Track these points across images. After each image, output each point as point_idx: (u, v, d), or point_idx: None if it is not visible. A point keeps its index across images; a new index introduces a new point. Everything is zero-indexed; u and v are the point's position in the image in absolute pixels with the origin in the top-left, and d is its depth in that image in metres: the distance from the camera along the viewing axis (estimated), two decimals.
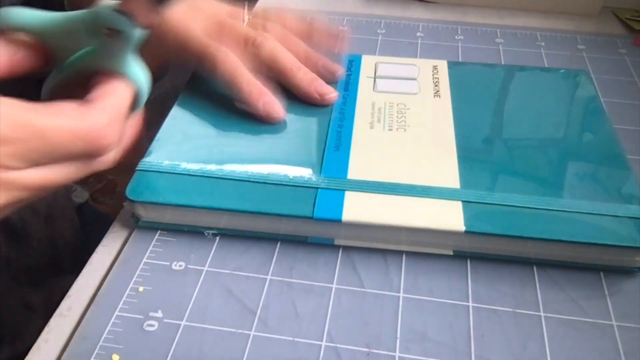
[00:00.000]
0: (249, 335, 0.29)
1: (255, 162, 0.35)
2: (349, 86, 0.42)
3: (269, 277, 0.32)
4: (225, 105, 0.39)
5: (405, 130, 0.38)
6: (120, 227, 0.35)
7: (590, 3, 0.58)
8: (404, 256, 0.33)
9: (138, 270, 0.32)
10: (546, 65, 0.49)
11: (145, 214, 0.34)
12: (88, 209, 0.62)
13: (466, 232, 0.31)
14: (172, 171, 0.34)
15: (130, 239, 0.34)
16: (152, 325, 0.29)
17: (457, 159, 0.36)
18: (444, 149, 0.37)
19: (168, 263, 0.33)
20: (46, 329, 0.30)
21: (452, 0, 0.60)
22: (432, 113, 0.40)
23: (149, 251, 0.33)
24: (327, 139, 0.37)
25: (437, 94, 0.41)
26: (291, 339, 0.29)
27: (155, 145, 0.37)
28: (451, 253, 0.33)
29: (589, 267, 0.32)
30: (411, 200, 0.33)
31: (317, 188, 0.34)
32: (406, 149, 0.37)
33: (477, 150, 0.37)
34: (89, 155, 0.27)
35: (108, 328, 0.29)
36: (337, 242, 0.33)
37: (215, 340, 0.29)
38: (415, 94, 0.41)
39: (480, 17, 0.57)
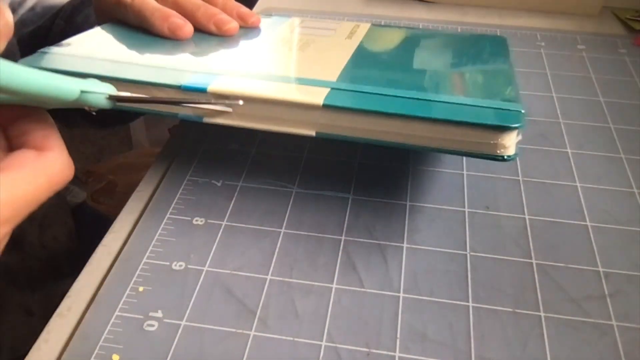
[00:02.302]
0: (249, 335, 0.29)
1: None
2: (270, 28, 0.43)
3: (269, 277, 0.32)
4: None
5: (303, 50, 0.39)
6: (120, 227, 0.35)
7: (590, 3, 0.58)
8: (404, 256, 0.33)
9: (138, 270, 0.32)
10: (546, 65, 0.49)
11: None
12: (87, 210, 0.63)
13: (324, 105, 0.31)
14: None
15: (130, 238, 0.34)
16: (152, 325, 0.29)
17: (344, 65, 0.36)
18: (332, 60, 0.37)
19: (168, 263, 0.33)
20: (46, 329, 0.30)
21: (453, 0, 0.60)
22: (336, 44, 0.40)
23: (149, 251, 0.33)
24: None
25: (349, 37, 0.42)
26: (291, 339, 0.29)
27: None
28: (314, 134, 0.32)
29: (454, 153, 0.31)
30: (281, 83, 0.33)
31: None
32: (293, 56, 0.38)
33: (367, 65, 0.37)
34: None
35: (108, 328, 0.29)
36: (205, 119, 0.33)
37: (215, 340, 0.29)
38: (328, 36, 0.42)
39: (480, 17, 0.58)
